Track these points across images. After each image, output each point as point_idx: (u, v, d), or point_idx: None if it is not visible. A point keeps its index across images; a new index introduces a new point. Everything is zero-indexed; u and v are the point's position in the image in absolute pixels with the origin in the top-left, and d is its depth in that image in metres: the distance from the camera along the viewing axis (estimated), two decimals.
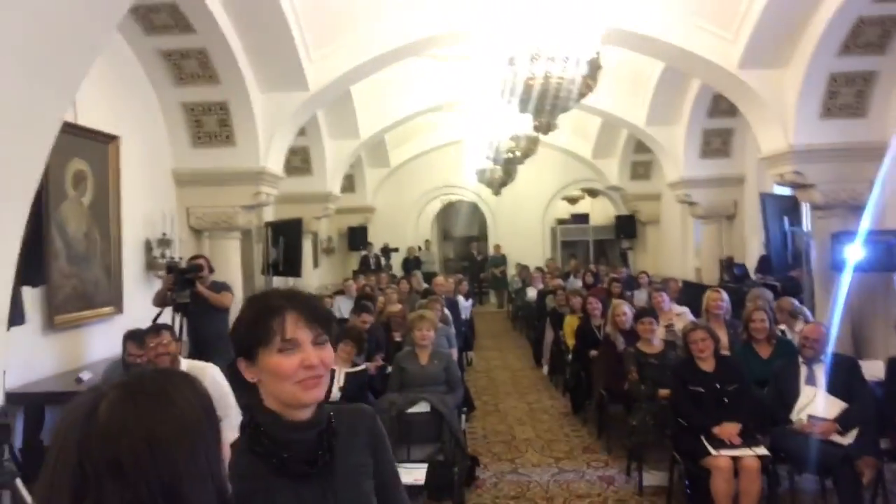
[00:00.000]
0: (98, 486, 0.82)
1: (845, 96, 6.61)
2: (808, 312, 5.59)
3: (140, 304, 5.84)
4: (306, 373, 1.28)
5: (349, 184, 14.08)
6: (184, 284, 5.05)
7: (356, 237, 15.14)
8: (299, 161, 10.63)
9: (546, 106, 5.21)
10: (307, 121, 8.54)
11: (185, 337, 5.02)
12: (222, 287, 5.57)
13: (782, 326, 5.47)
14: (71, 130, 5.09)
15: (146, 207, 6.58)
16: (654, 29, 6.86)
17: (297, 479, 1.29)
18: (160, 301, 5.20)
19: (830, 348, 4.41)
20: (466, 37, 7.15)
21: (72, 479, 0.84)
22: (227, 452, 0.98)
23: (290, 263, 8.73)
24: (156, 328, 3.62)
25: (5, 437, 2.53)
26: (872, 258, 6.24)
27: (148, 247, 6.54)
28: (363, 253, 14.92)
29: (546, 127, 5.50)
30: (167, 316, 4.91)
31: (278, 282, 9.63)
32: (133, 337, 4.18)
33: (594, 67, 5.08)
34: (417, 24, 6.93)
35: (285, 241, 8.78)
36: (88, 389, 0.93)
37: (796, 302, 5.88)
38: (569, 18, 4.86)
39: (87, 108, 5.48)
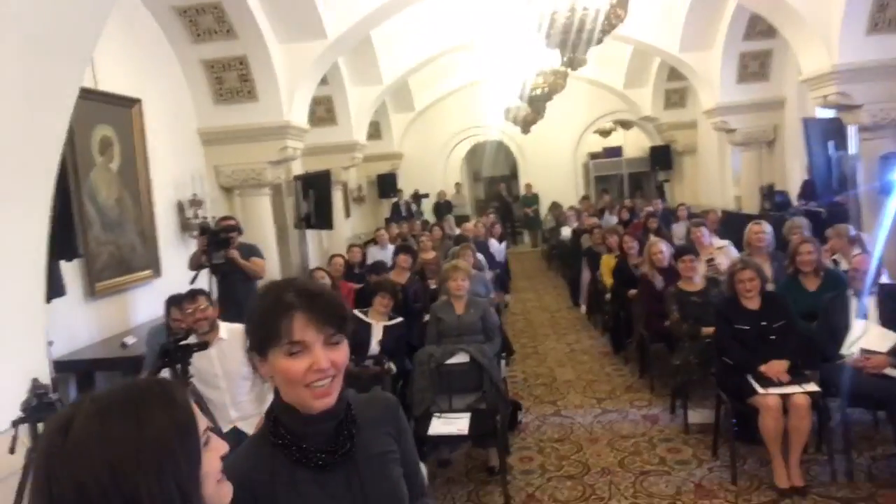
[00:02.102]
0: None
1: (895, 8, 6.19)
2: (865, 239, 5.36)
3: (178, 266, 5.90)
4: (315, 375, 1.23)
5: (375, 131, 13.92)
6: (218, 245, 5.05)
7: (386, 184, 15.05)
8: (324, 111, 10.51)
9: (573, 40, 4.98)
10: (329, 69, 8.38)
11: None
12: (251, 251, 5.56)
13: (835, 256, 5.27)
14: (92, 97, 5.06)
15: (175, 169, 6.57)
16: None
17: (320, 470, 1.27)
18: (195, 264, 5.22)
19: (881, 277, 4.25)
20: None
21: (41, 501, 0.83)
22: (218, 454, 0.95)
23: (321, 216, 8.72)
24: (191, 294, 3.62)
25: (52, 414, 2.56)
26: None
27: (180, 208, 6.57)
28: (394, 200, 14.86)
29: (574, 62, 5.26)
30: (203, 278, 4.94)
31: (311, 234, 9.68)
32: (175, 301, 4.21)
33: None
34: None
35: (315, 193, 8.76)
36: (70, 404, 0.90)
37: (853, 228, 5.64)
38: None
39: (107, 73, 5.43)
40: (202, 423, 0.90)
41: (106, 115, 5.44)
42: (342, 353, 1.27)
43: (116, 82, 5.60)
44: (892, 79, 6.39)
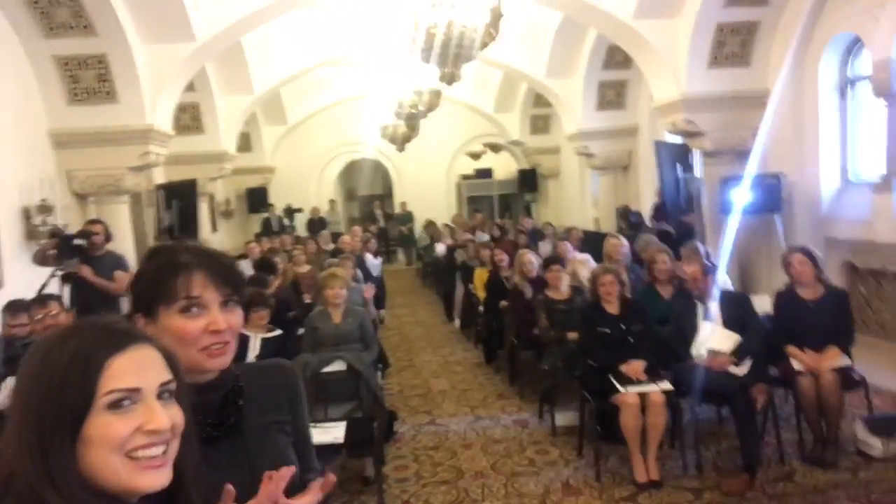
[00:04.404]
0: None
1: (731, 46, 6.92)
2: (712, 255, 5.85)
3: (21, 276, 5.38)
4: (212, 338, 1.18)
5: (245, 143, 13.50)
6: (71, 252, 4.67)
7: (256, 199, 14.61)
8: (189, 119, 10.06)
9: (449, 55, 5.13)
10: (196, 75, 8.07)
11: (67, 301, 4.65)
12: (117, 263, 5.18)
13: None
14: None
15: (21, 172, 6.04)
16: None
17: (205, 443, 1.19)
18: (40, 260, 4.78)
19: (727, 286, 4.68)
20: None
21: None
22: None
23: (185, 228, 8.32)
24: (41, 299, 3.33)
25: None
26: (757, 201, 6.65)
27: (26, 214, 6.02)
28: (265, 215, 14.44)
29: (450, 77, 5.42)
30: (54, 286, 4.55)
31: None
32: (9, 308, 3.83)
33: (496, 16, 5.04)
34: None
35: (179, 204, 8.34)
36: None
37: (701, 246, 6.14)
38: None
39: None
40: (131, 381, 0.87)
41: None
42: (238, 317, 1.24)
43: None
44: (730, 109, 7.11)
